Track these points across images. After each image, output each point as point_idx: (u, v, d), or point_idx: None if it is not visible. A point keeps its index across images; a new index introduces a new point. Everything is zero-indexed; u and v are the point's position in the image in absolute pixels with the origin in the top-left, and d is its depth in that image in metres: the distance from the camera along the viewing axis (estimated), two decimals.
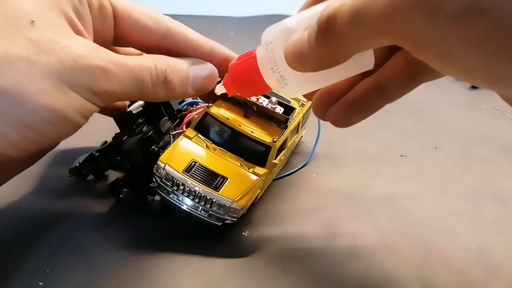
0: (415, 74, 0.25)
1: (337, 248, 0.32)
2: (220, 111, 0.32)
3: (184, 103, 0.40)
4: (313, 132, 0.42)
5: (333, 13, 0.18)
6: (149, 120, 0.37)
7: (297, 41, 0.21)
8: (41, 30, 0.22)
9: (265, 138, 0.31)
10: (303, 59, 0.21)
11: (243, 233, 0.32)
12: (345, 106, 0.26)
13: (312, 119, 0.41)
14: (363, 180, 0.40)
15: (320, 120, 0.39)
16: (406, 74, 0.25)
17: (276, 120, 0.33)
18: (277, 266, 0.30)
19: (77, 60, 0.23)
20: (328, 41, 0.19)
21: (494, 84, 0.16)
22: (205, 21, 0.78)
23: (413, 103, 0.55)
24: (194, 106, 0.40)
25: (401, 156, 0.44)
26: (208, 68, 0.30)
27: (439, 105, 0.55)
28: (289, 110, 0.32)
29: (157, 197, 0.32)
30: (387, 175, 0.41)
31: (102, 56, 0.24)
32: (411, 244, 0.32)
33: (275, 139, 0.32)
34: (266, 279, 0.29)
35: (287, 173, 0.39)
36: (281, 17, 0.24)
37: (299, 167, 0.40)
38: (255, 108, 0.32)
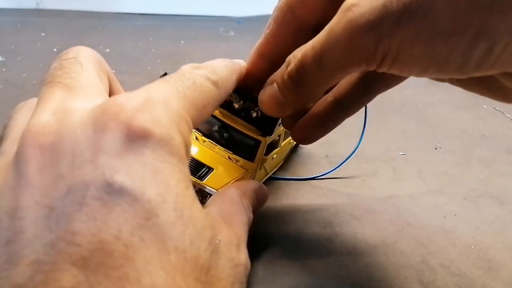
0: (370, 86, 0.26)
1: (337, 248, 0.32)
2: None
3: None
4: None
5: (299, 64, 0.21)
6: None
7: (271, 94, 0.23)
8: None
9: (255, 132, 0.31)
10: (281, 107, 0.24)
11: None
12: (308, 123, 0.28)
13: None
14: (363, 180, 0.40)
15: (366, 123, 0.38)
16: (361, 88, 0.26)
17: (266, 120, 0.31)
18: (277, 266, 0.30)
19: None
20: (300, 89, 0.22)
21: (439, 69, 0.19)
22: (206, 21, 0.78)
23: (413, 103, 0.55)
24: None
25: (401, 154, 0.44)
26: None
27: (439, 105, 0.55)
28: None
29: None
30: (387, 175, 0.41)
31: None
32: (411, 244, 0.32)
33: (265, 135, 0.31)
34: (266, 279, 0.29)
35: (304, 178, 0.39)
36: None
37: (325, 172, 0.40)
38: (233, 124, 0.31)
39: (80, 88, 0.19)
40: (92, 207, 0.15)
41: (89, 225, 0.15)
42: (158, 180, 0.16)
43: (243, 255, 0.20)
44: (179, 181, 0.17)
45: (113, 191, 0.15)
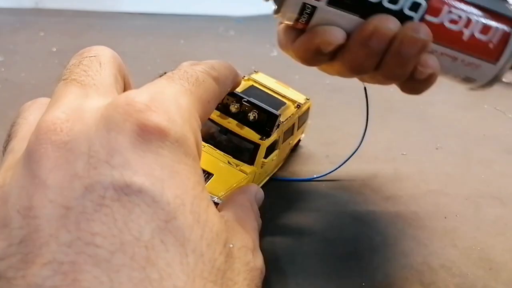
0: None
1: (337, 248, 0.32)
2: None
3: None
4: (314, 135, 0.42)
5: None
6: None
7: None
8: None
9: (254, 136, 0.31)
10: None
11: None
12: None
13: (312, 120, 0.41)
14: (363, 180, 0.39)
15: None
16: None
17: (266, 120, 0.31)
18: (277, 266, 0.30)
19: None
20: None
21: None
22: (205, 20, 0.78)
23: (414, 103, 0.55)
24: None
25: (402, 154, 0.44)
26: None
27: (440, 105, 0.55)
28: (272, 118, 0.31)
29: None
30: (388, 175, 0.40)
31: None
32: (412, 245, 0.32)
33: (264, 138, 0.31)
34: (266, 279, 0.29)
35: (305, 178, 0.39)
36: None
37: (325, 173, 0.39)
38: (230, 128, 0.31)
39: (95, 87, 0.19)
40: (112, 208, 0.15)
41: (109, 226, 0.15)
42: (176, 182, 0.16)
43: (258, 260, 0.20)
44: (195, 183, 0.17)
45: (132, 192, 0.15)
